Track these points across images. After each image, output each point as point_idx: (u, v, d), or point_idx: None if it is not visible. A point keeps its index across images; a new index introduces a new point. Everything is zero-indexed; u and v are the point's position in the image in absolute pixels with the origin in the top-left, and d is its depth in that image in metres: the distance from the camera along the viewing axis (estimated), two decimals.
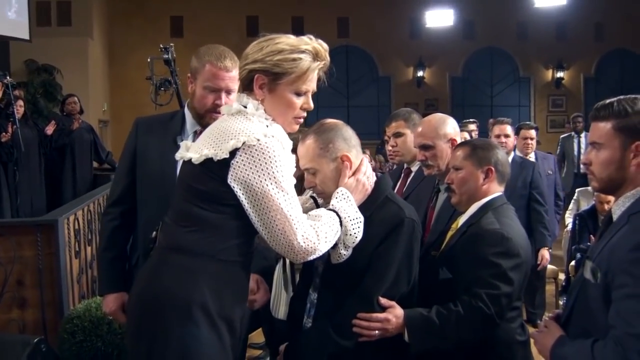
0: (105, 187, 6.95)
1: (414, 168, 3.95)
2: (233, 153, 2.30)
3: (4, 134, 7.67)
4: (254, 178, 2.29)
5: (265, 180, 2.29)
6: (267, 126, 2.37)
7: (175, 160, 2.64)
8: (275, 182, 2.30)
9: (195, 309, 2.30)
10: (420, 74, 18.87)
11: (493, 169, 2.86)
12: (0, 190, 7.89)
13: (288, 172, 2.36)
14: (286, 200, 2.32)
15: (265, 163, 2.29)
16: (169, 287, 2.33)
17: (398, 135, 3.99)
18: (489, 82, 19.68)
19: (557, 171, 7.26)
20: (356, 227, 2.51)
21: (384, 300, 2.57)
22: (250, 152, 2.29)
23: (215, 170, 2.33)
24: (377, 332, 2.56)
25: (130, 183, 3.11)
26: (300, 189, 3.46)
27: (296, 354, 2.66)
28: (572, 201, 7.95)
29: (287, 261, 3.55)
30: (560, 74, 19.46)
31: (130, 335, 2.47)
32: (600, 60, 19.69)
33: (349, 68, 18.87)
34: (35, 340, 3.49)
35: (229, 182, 2.31)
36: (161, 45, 5.58)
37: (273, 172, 2.30)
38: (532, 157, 6.70)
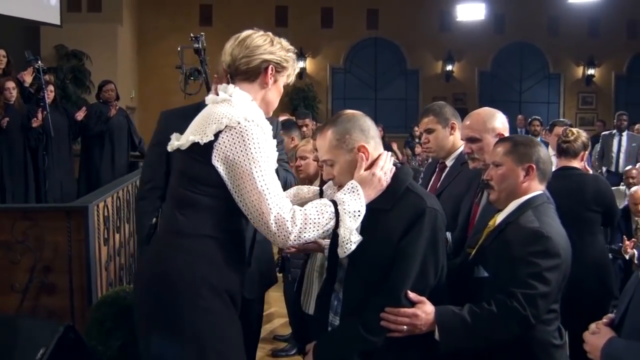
0: (135, 174, 6.96)
1: (449, 163, 3.90)
2: (217, 136, 2.48)
3: (34, 119, 7.66)
4: (234, 157, 2.46)
5: (244, 159, 2.45)
6: (247, 111, 2.54)
7: None
8: (253, 162, 2.45)
9: (201, 286, 2.49)
10: (449, 67, 18.80)
11: (534, 166, 2.79)
12: (27, 176, 7.90)
13: (267, 154, 2.51)
14: (263, 180, 2.45)
15: (245, 144, 2.45)
16: (174, 269, 2.50)
17: (429, 131, 3.93)
18: (518, 78, 19.55)
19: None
20: (356, 221, 2.53)
21: (412, 295, 2.51)
22: (232, 133, 2.46)
23: (202, 153, 2.50)
24: (405, 327, 2.50)
25: (168, 170, 3.23)
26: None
27: (325, 351, 2.63)
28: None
29: (319, 255, 3.52)
30: (591, 71, 19.29)
31: (143, 321, 2.63)
32: (633, 58, 19.48)
33: (377, 60, 18.84)
34: (64, 326, 3.48)
35: (213, 162, 2.48)
36: (192, 35, 5.56)
37: (251, 153, 2.45)
38: None
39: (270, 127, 2.62)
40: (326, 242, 3.27)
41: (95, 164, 9.08)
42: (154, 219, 2.81)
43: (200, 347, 2.49)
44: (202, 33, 5.62)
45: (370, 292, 2.54)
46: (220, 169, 2.48)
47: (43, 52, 13.08)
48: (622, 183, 8.77)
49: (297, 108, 14.53)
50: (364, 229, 2.58)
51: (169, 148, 2.67)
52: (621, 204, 7.04)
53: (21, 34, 12.28)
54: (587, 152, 4.73)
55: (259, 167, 2.46)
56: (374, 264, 2.54)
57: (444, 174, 3.92)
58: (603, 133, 11.45)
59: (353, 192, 2.56)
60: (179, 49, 6.53)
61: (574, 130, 4.69)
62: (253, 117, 2.51)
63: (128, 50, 15.87)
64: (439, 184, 3.87)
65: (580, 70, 19.50)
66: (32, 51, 8.33)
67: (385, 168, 2.63)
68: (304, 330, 3.86)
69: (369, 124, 2.67)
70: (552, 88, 19.73)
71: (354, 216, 2.52)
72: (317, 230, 2.49)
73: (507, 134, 3.34)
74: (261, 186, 2.44)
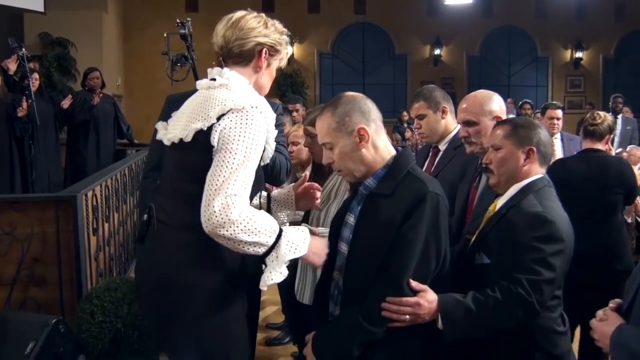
0: (123, 162, 6.89)
1: (442, 147, 3.85)
2: (219, 118, 2.40)
3: (20, 108, 7.53)
4: (228, 135, 2.37)
5: (235, 140, 2.36)
6: (250, 96, 2.48)
7: None
8: (243, 145, 2.37)
9: (216, 280, 2.45)
10: (437, 52, 18.70)
11: (535, 149, 2.72)
12: (13, 167, 7.77)
13: (259, 144, 2.43)
14: (243, 166, 2.35)
15: (243, 127, 2.38)
16: (183, 264, 2.44)
17: (420, 117, 3.88)
18: (507, 62, 19.48)
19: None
20: (290, 252, 2.41)
21: (414, 284, 2.43)
22: (235, 116, 2.39)
23: (205, 139, 2.41)
24: (407, 317, 2.42)
25: None
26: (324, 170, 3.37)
27: (325, 342, 2.55)
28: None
29: None
30: (579, 54, 19.25)
31: (154, 318, 2.60)
32: (620, 41, 19.42)
33: (365, 45, 18.73)
34: (54, 320, 3.42)
35: (211, 141, 2.39)
36: (178, 20, 5.50)
37: (245, 137, 2.38)
38: (557, 137, 6.56)
39: (274, 114, 2.59)
40: (320, 230, 3.21)
41: (80, 152, 8.98)
42: (145, 216, 2.63)
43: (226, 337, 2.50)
44: (188, 19, 5.55)
45: (371, 280, 2.46)
46: (215, 144, 2.39)
47: (27, 40, 12.87)
48: None
49: (285, 94, 14.43)
50: (363, 215, 2.51)
51: (167, 141, 2.58)
52: None
53: (4, 22, 12.07)
54: (611, 135, 4.73)
55: (243, 150, 2.36)
56: (374, 251, 2.46)
57: (437, 159, 3.88)
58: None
59: (302, 236, 2.48)
60: (165, 35, 6.44)
61: (601, 113, 4.69)
62: (257, 104, 2.46)
63: (114, 37, 15.66)
64: (432, 169, 3.81)
65: (568, 54, 19.46)
66: (15, 39, 8.19)
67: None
68: (298, 320, 3.79)
69: (370, 106, 2.59)
70: (540, 71, 19.69)
71: (292, 248, 2.41)
72: (253, 236, 2.33)
73: (504, 117, 3.28)
74: (236, 169, 2.33)
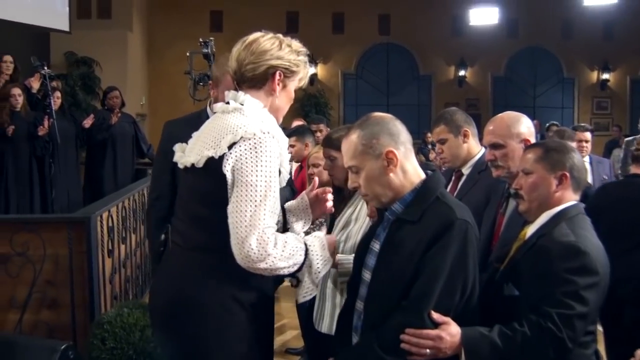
0: (142, 182, 6.81)
1: (466, 171, 3.71)
2: (230, 147, 2.39)
3: (40, 127, 7.51)
4: (244, 167, 2.36)
5: (251, 169, 2.36)
6: (262, 122, 2.46)
7: None
8: (260, 174, 2.37)
9: (227, 300, 2.44)
10: (461, 73, 18.55)
11: (568, 174, 2.57)
12: (32, 185, 7.74)
13: (276, 169, 2.43)
14: (264, 195, 2.36)
15: (257, 155, 2.37)
16: (199, 286, 2.44)
17: (442, 141, 3.76)
18: (532, 83, 19.30)
19: (611, 176, 6.92)
20: (321, 264, 2.50)
21: (436, 315, 2.27)
22: (246, 144, 2.38)
23: (216, 166, 2.41)
24: (428, 350, 2.26)
25: (172, 179, 3.32)
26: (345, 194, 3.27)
27: None
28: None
29: (332, 270, 3.33)
30: (605, 76, 19.00)
31: (166, 338, 2.57)
32: None
33: (390, 66, 18.65)
34: (63, 346, 3.31)
35: (224, 171, 2.38)
36: (201, 39, 5.48)
37: (261, 165, 2.37)
38: (586, 160, 6.38)
39: (286, 138, 2.56)
40: (340, 257, 3.09)
41: (97, 172, 8.93)
42: (163, 236, 2.77)
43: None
44: (211, 38, 5.51)
45: (393, 309, 2.32)
46: (228, 177, 2.39)
47: (53, 59, 13.00)
48: None
49: (309, 114, 14.37)
50: (388, 241, 2.39)
51: (180, 165, 2.60)
52: None
53: (30, 41, 12.16)
54: None
55: (263, 181, 2.37)
56: (397, 279, 2.32)
57: (460, 183, 3.74)
58: (627, 139, 11.18)
59: (320, 240, 2.54)
60: (187, 54, 6.40)
61: None
62: (269, 129, 2.43)
63: (138, 56, 15.74)
64: (455, 193, 3.67)
65: (594, 75, 19.24)
66: (40, 58, 8.19)
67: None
68: (317, 347, 3.66)
69: (399, 127, 2.46)
70: (566, 93, 19.48)
71: (322, 260, 2.51)
72: (288, 261, 2.41)
73: (533, 140, 3.14)
74: (259, 201, 2.36)
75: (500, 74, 18.98)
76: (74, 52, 13.56)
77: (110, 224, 4.39)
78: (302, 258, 2.44)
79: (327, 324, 3.35)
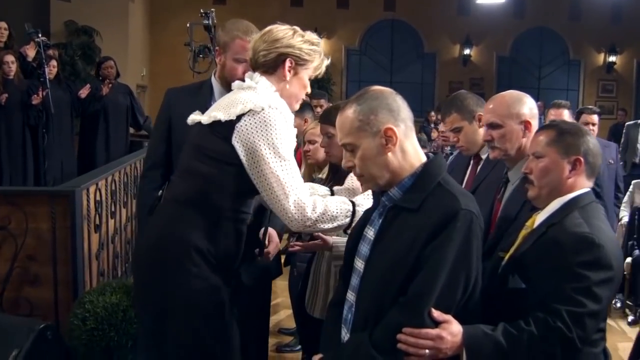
0: (135, 155, 6.64)
1: (484, 155, 3.52)
2: (239, 117, 2.56)
3: (34, 96, 7.35)
4: (255, 141, 2.54)
5: (264, 144, 2.54)
6: (271, 99, 2.63)
7: None
8: (273, 148, 2.55)
9: (195, 252, 2.56)
10: (466, 52, 18.36)
11: (582, 159, 2.38)
12: (25, 155, 7.60)
13: (287, 141, 2.60)
14: (282, 166, 2.56)
15: (266, 129, 2.54)
16: (174, 235, 2.58)
17: (456, 130, 3.59)
18: (537, 64, 19.11)
19: (618, 161, 6.73)
20: None
21: (437, 314, 2.08)
22: (254, 117, 2.55)
23: (222, 131, 2.58)
24: (427, 351, 2.07)
25: (167, 149, 3.37)
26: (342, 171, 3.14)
27: None
28: (627, 193, 7.42)
29: (326, 253, 3.18)
30: (612, 59, 18.77)
31: (138, 284, 2.75)
32: None
33: (394, 43, 18.45)
34: (41, 326, 3.16)
35: (233, 142, 2.56)
36: (202, 10, 5.33)
37: (272, 139, 2.55)
38: None
39: (292, 116, 2.70)
40: (334, 240, 2.95)
41: (89, 143, 8.77)
42: (160, 192, 2.93)
43: (189, 312, 2.57)
44: (212, 9, 5.37)
45: (387, 306, 2.13)
46: (240, 150, 2.56)
47: (53, 28, 12.84)
48: None
49: (311, 89, 14.19)
50: (384, 229, 2.20)
51: (189, 121, 2.75)
52: None
53: (30, 8, 11.99)
54: None
55: (277, 155, 2.55)
56: (393, 273, 2.12)
57: (479, 167, 3.56)
58: (627, 123, 10.98)
59: (369, 199, 2.52)
60: (188, 25, 6.24)
61: None
62: (277, 105, 2.60)
63: (139, 27, 15.52)
64: (474, 178, 3.52)
65: (601, 57, 19.02)
66: (39, 26, 8.00)
67: None
68: (308, 331, 3.53)
69: (399, 103, 2.26)
70: (571, 75, 19.29)
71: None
72: (332, 222, 2.62)
73: (535, 122, 2.97)
74: (279, 173, 2.54)
75: (506, 54, 18.78)
76: (75, 20, 13.34)
77: (98, 198, 4.22)
78: (347, 220, 2.65)
79: (319, 308, 3.23)
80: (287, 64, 2.70)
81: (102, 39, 13.45)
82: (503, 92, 3.12)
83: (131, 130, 9.50)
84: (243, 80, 3.05)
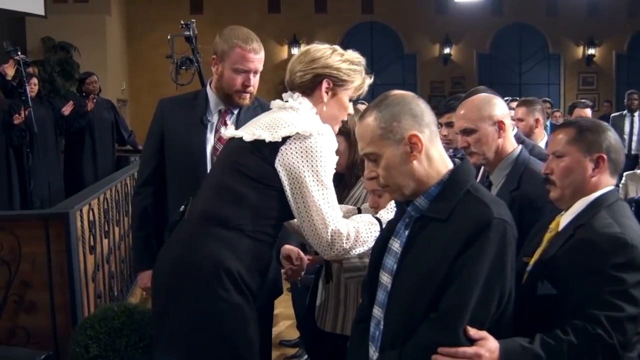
0: (124, 171, 6.53)
1: None
2: (284, 140, 2.47)
3: (16, 116, 7.23)
4: (298, 167, 2.47)
5: (308, 171, 2.48)
6: (317, 123, 2.57)
7: (204, 138, 3.17)
8: (317, 176, 2.49)
9: (225, 276, 2.45)
10: (446, 51, 18.28)
11: (605, 156, 2.30)
12: (10, 176, 7.48)
13: (330, 169, 2.54)
14: (323, 196, 2.50)
15: (312, 156, 2.48)
16: (202, 253, 2.47)
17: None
18: (518, 60, 19.10)
19: None
20: None
21: (473, 332, 1.97)
22: (301, 142, 2.48)
23: (265, 152, 2.50)
24: None
25: (159, 163, 3.29)
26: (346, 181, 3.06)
27: None
28: (620, 186, 7.39)
29: (335, 266, 3.08)
30: (591, 51, 18.79)
31: (158, 298, 2.64)
32: (633, 36, 18.95)
33: (373, 45, 18.34)
34: (43, 356, 3.05)
35: (275, 165, 2.49)
36: (182, 22, 5.28)
37: (317, 167, 2.48)
38: None
39: (336, 142, 2.62)
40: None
41: (76, 161, 8.65)
42: (182, 207, 2.75)
43: (214, 337, 2.48)
44: (193, 20, 5.29)
45: (417, 321, 2.02)
46: (282, 174, 2.50)
47: (29, 45, 12.68)
48: (637, 166, 8.35)
49: None
50: (412, 241, 2.10)
51: (226, 134, 2.69)
52: (638, 188, 6.63)
53: (5, 26, 11.82)
54: None
55: (320, 183, 2.50)
56: (423, 287, 2.01)
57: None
58: (613, 115, 10.99)
59: (392, 211, 2.51)
60: (169, 37, 6.14)
61: None
62: (324, 131, 2.54)
63: (117, 41, 15.37)
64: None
65: (580, 50, 19.04)
66: (15, 43, 7.86)
67: None
68: (317, 344, 3.42)
69: (422, 107, 2.15)
70: (552, 69, 19.30)
71: None
72: (363, 247, 2.56)
73: (507, 121, 2.92)
74: (321, 200, 2.49)
75: (486, 51, 18.76)
76: (51, 37, 13.19)
77: (91, 218, 4.11)
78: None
79: (330, 321, 3.12)
80: (325, 85, 2.62)
81: (80, 54, 13.31)
82: (472, 97, 3.09)
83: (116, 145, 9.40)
84: (244, 91, 3.11)
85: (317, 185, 2.48)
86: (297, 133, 2.46)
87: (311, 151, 2.47)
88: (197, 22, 5.47)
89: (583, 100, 6.63)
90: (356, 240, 2.53)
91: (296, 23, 16.23)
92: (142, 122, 14.01)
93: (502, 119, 2.90)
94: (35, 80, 7.91)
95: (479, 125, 2.89)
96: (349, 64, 2.65)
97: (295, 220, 2.63)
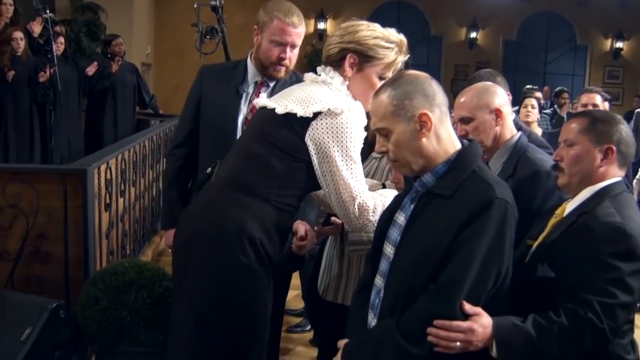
0: (144, 133, 6.60)
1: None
2: (316, 115, 2.51)
3: (42, 73, 7.29)
4: (328, 143, 2.51)
5: (336, 147, 2.51)
6: (348, 99, 2.60)
7: (237, 108, 3.23)
8: (346, 152, 2.52)
9: (248, 242, 2.50)
10: (473, 35, 18.16)
11: (614, 148, 2.34)
12: (32, 132, 7.54)
13: (359, 144, 2.57)
14: (351, 170, 2.55)
15: (342, 132, 2.51)
16: (227, 218, 2.52)
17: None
18: (544, 49, 18.93)
19: None
20: None
21: (468, 307, 2.04)
22: (332, 119, 2.51)
23: (296, 125, 2.53)
24: (458, 344, 2.05)
25: (194, 128, 3.36)
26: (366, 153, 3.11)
27: (355, 356, 2.22)
28: (636, 180, 7.36)
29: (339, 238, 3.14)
30: (619, 44, 18.59)
31: (181, 261, 2.67)
32: None
33: (400, 25, 17.94)
34: (54, 305, 3.13)
35: (305, 139, 2.53)
36: None
37: (346, 143, 2.52)
38: None
39: (365, 118, 2.63)
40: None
41: (97, 121, 8.74)
42: (209, 169, 2.79)
43: (229, 300, 2.53)
44: None
45: (416, 292, 2.10)
46: (311, 148, 2.53)
47: (57, 4, 12.69)
48: None
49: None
50: (416, 215, 2.17)
51: (259, 103, 2.73)
52: None
53: None
54: None
55: (349, 158, 2.54)
56: (424, 259, 2.09)
57: None
58: (637, 110, 10.89)
59: None
60: (195, 5, 6.17)
61: None
62: (355, 108, 2.57)
63: (144, 5, 15.37)
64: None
65: (608, 43, 18.84)
66: (43, 1, 7.91)
67: None
68: (319, 313, 3.48)
69: (435, 88, 2.21)
70: (578, 60, 19.12)
71: None
72: None
73: (506, 108, 2.94)
74: (349, 175, 2.53)
75: (512, 38, 18.61)
76: None
77: (108, 177, 4.18)
78: None
79: (332, 291, 3.18)
80: (349, 59, 2.62)
81: (107, 16, 13.32)
82: (471, 86, 3.10)
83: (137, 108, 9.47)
84: (279, 64, 3.14)
85: (346, 160, 2.52)
86: (329, 109, 2.49)
87: (341, 128, 2.49)
88: None
89: (592, 87, 6.55)
90: (375, 212, 2.56)
91: None
92: (166, 87, 14.19)
93: (499, 107, 2.91)
94: (62, 40, 7.97)
95: (476, 114, 2.91)
96: (379, 40, 2.63)
97: (321, 191, 2.68)
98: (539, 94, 6.79)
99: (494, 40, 18.47)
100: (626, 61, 18.83)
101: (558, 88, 11.55)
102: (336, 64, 2.65)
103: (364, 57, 2.62)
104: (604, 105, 5.60)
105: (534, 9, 18.31)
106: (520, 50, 18.72)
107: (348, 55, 2.62)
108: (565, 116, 10.50)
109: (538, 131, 5.95)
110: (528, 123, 5.92)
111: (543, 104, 12.52)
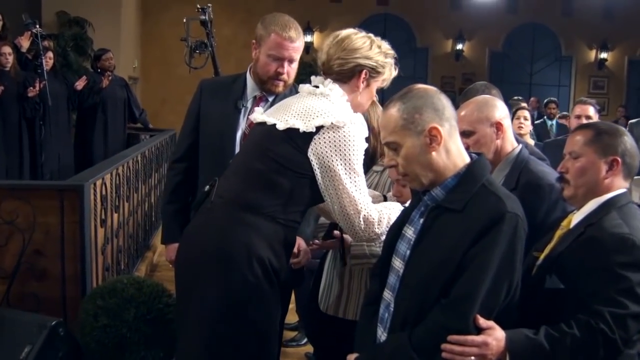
0: (136, 148, 6.58)
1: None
2: (317, 129, 2.50)
3: (30, 88, 7.27)
4: (331, 156, 2.50)
5: (340, 161, 2.51)
6: (349, 111, 2.60)
7: (235, 123, 3.20)
8: (349, 165, 2.52)
9: (257, 263, 2.48)
10: (459, 47, 18.29)
11: (619, 160, 2.36)
12: (22, 148, 7.50)
13: (361, 156, 2.58)
14: (355, 183, 2.54)
15: (345, 146, 2.51)
16: (236, 241, 2.48)
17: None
18: (529, 60, 19.08)
19: None
20: None
21: (482, 321, 2.06)
22: (335, 132, 2.50)
23: (298, 140, 2.51)
24: (473, 358, 2.05)
25: (194, 142, 3.34)
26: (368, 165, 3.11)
27: None
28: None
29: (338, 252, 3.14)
30: (604, 55, 18.75)
31: (186, 281, 2.63)
32: None
33: (387, 37, 18.00)
34: (53, 322, 3.11)
35: (308, 154, 2.51)
36: (198, 6, 5.29)
37: (349, 156, 2.52)
38: None
39: (366, 129, 2.65)
40: (352, 239, 2.89)
41: (87, 136, 8.70)
42: (207, 187, 2.74)
43: (240, 322, 2.50)
44: (209, 5, 5.31)
45: (428, 306, 2.10)
46: (314, 163, 2.53)
47: (44, 18, 12.65)
48: None
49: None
50: (426, 230, 2.17)
51: (257, 119, 2.71)
52: None
53: None
54: None
55: (352, 171, 2.54)
56: (436, 274, 2.09)
57: None
58: (631, 121, 10.99)
59: None
60: (184, 20, 6.18)
61: None
62: (356, 120, 2.57)
63: (132, 18, 15.36)
64: None
65: (592, 54, 19.00)
66: (32, 16, 7.89)
67: None
68: (316, 327, 3.48)
69: (444, 102, 2.22)
70: (563, 71, 19.28)
71: None
72: None
73: (506, 121, 2.95)
74: (353, 188, 2.53)
75: (498, 49, 18.75)
76: (66, 11, 13.20)
77: (103, 192, 4.16)
78: None
79: (333, 305, 3.17)
80: (363, 75, 2.65)
81: (94, 30, 13.32)
82: (471, 99, 3.11)
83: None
84: (277, 79, 3.12)
85: (349, 173, 2.52)
86: (331, 123, 2.49)
87: (344, 141, 2.49)
88: (212, 6, 5.50)
89: (584, 98, 6.59)
90: (388, 226, 2.53)
91: (311, 11, 16.23)
92: (153, 101, 14.15)
93: (500, 120, 2.92)
94: (50, 54, 7.94)
95: (477, 127, 2.92)
96: (385, 57, 2.69)
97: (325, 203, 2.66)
98: (524, 105, 6.82)
99: (480, 52, 18.60)
100: (610, 71, 19.02)
101: (547, 99, 11.64)
102: (345, 77, 2.65)
103: (374, 72, 2.68)
104: (596, 117, 5.63)
105: (520, 20, 18.47)
106: (506, 61, 18.88)
107: (364, 72, 2.65)
108: (553, 123, 10.61)
109: (530, 143, 5.98)
110: (521, 135, 5.94)
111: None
